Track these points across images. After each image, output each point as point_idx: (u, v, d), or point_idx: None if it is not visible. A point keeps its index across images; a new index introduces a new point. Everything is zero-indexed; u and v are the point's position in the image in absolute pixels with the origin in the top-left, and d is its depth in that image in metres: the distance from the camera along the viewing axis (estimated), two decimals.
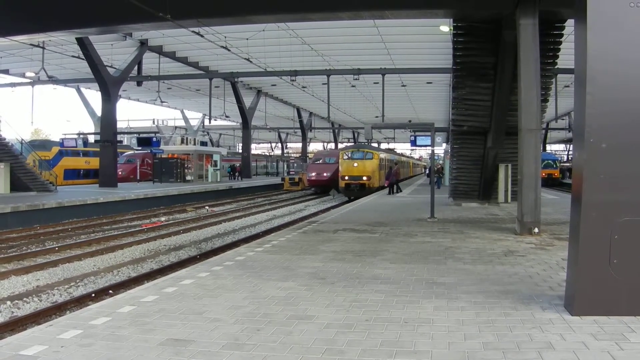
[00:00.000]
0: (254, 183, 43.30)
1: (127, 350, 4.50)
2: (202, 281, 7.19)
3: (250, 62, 27.19)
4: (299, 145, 69.96)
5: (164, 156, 39.53)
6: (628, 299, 5.21)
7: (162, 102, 39.29)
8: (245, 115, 46.30)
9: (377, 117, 43.49)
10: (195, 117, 64.07)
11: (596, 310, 5.25)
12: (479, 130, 17.66)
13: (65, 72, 35.34)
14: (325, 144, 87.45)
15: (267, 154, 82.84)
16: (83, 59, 28.76)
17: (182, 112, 62.76)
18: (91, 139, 39.43)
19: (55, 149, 37.28)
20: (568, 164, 53.21)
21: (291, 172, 56.74)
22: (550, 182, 39.85)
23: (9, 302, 9.17)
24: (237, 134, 64.49)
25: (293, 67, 32.15)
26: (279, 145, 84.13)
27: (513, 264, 8.22)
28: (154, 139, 35.99)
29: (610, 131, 5.19)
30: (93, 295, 9.53)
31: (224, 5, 15.67)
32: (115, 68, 31.15)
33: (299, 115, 58.50)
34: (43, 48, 27.24)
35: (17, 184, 25.11)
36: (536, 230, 11.50)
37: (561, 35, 14.78)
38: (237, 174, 49.17)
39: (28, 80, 38.18)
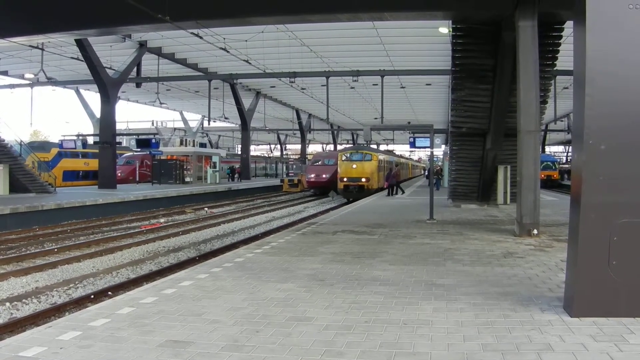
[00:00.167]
0: (253, 185, 43.31)
1: (126, 352, 4.50)
2: (201, 283, 7.19)
3: (250, 63, 27.20)
4: (298, 146, 69.96)
5: (163, 158, 39.54)
6: (627, 301, 5.21)
7: (161, 103, 39.25)
8: (244, 117, 46.29)
9: (376, 118, 43.47)
10: (194, 119, 64.12)
11: (595, 312, 5.25)
12: (478, 131, 17.67)
13: (64, 73, 35.29)
14: (325, 145, 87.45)
15: (266, 155, 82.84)
16: (82, 61, 28.73)
17: (181, 113, 62.78)
18: (90, 140, 39.39)
19: (55, 151, 37.29)
20: (567, 166, 53.21)
21: (290, 174, 56.73)
22: (549, 184, 39.85)
23: (8, 304, 9.17)
24: (236, 135, 64.43)
25: (292, 68, 32.16)
26: (278, 146, 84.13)
27: (512, 266, 8.22)
28: (153, 141, 36.00)
29: (609, 133, 5.19)
30: (92, 296, 9.53)
31: (223, 6, 15.67)
32: (114, 69, 31.14)
33: (298, 117, 58.52)
34: (42, 49, 27.25)
35: (16, 186, 25.10)
36: (535, 231, 11.50)
37: (560, 37, 14.80)
38: (237, 175, 49.14)
39: (27, 82, 38.15)
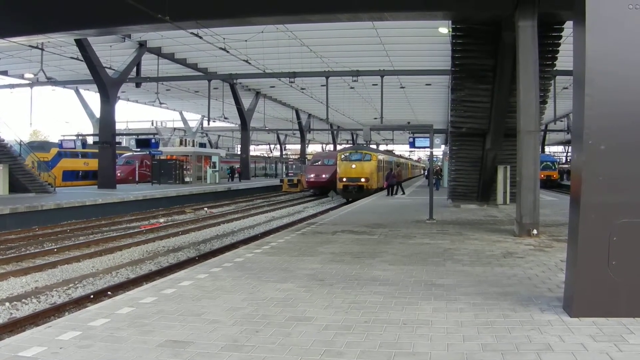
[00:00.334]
0: (252, 184, 43.30)
1: (126, 352, 4.50)
2: (200, 283, 7.19)
3: (249, 63, 27.20)
4: (298, 146, 69.98)
5: (162, 158, 39.53)
6: (627, 301, 5.22)
7: (160, 103, 39.26)
8: (244, 117, 46.28)
9: (375, 118, 43.46)
10: (194, 119, 64.13)
11: (595, 312, 5.25)
12: (477, 131, 17.68)
13: (64, 73, 35.29)
14: (324, 145, 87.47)
15: (266, 155, 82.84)
16: (82, 61, 28.73)
17: (181, 113, 62.79)
18: (90, 140, 39.38)
19: (54, 151, 37.27)
20: (567, 166, 53.23)
21: (290, 174, 56.74)
22: (548, 184, 39.86)
23: (7, 304, 9.16)
24: (236, 135, 64.46)
25: (292, 68, 32.16)
26: (278, 146, 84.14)
27: (512, 266, 8.22)
28: (153, 141, 35.99)
29: (609, 133, 5.19)
30: (92, 296, 9.53)
31: (223, 6, 15.68)
32: (114, 69, 31.14)
33: (298, 117, 58.53)
34: (42, 49, 27.26)
35: (16, 185, 25.09)
36: (535, 231, 11.50)
37: (560, 37, 14.81)
38: (237, 175, 49.12)
39: (27, 82, 38.15)
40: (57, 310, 8.71)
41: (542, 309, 5.69)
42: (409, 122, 54.14)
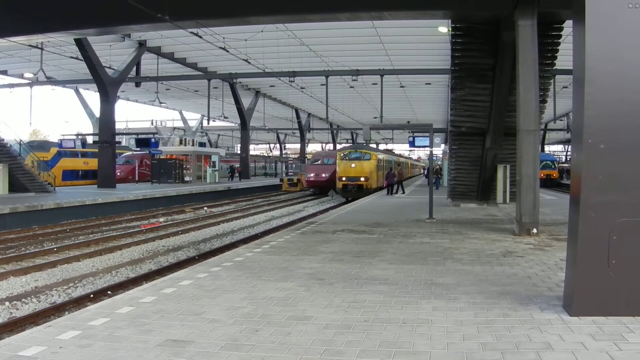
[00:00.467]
0: (252, 184, 43.28)
1: (126, 351, 4.50)
2: (200, 282, 7.19)
3: (249, 63, 27.19)
4: (298, 146, 69.98)
5: (162, 157, 39.53)
6: (627, 300, 5.22)
7: (160, 103, 39.23)
8: (244, 116, 46.30)
9: (375, 118, 43.47)
10: (193, 118, 64.04)
11: (595, 311, 5.26)
12: (477, 131, 17.68)
13: (63, 73, 35.28)
14: (324, 144, 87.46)
15: (266, 154, 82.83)
16: (82, 60, 28.72)
17: (181, 113, 62.72)
18: (90, 139, 39.38)
19: (54, 150, 37.25)
20: (566, 165, 53.25)
21: (290, 173, 56.76)
22: (548, 183, 39.87)
23: (7, 303, 9.17)
24: (236, 134, 64.48)
25: (291, 68, 32.14)
26: (278, 146, 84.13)
27: (512, 265, 8.22)
28: (153, 140, 35.99)
29: (608, 132, 5.19)
30: (92, 296, 9.53)
31: (222, 6, 15.66)
32: (113, 69, 31.13)
33: (298, 116, 58.53)
34: (42, 49, 27.23)
35: (16, 185, 25.07)
36: (535, 230, 11.51)
37: (560, 36, 14.80)
38: (237, 174, 49.11)
39: (26, 81, 38.16)
40: (57, 310, 8.71)
41: (542, 308, 5.69)
42: (408, 122, 54.11)
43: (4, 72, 37.86)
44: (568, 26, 12.44)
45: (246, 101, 46.01)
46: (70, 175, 38.15)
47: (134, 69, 32.22)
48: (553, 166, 46.51)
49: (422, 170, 78.56)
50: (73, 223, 19.88)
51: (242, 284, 7.03)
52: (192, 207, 27.20)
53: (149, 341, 4.75)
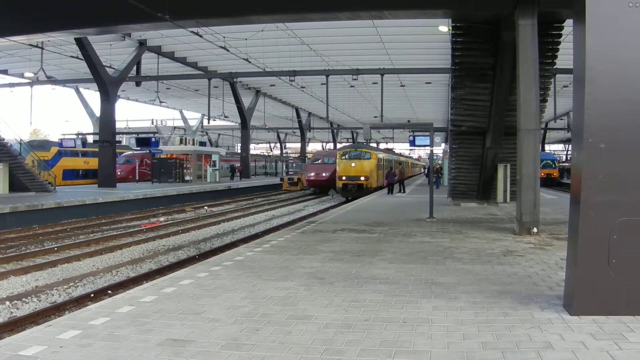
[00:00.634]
0: (252, 183, 43.28)
1: (126, 351, 4.50)
2: (201, 281, 7.19)
3: (249, 62, 27.18)
4: (298, 145, 69.96)
5: (162, 156, 39.52)
6: (627, 299, 5.22)
7: (160, 102, 39.22)
8: (244, 116, 46.30)
9: (376, 117, 43.48)
10: (194, 118, 64.05)
11: (595, 310, 5.25)
12: (477, 130, 17.67)
13: (64, 72, 35.30)
14: (324, 144, 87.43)
15: (266, 154, 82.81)
16: (82, 59, 28.72)
17: (181, 112, 62.72)
18: (90, 139, 39.36)
19: (54, 149, 37.26)
20: (567, 164, 53.21)
21: (290, 172, 56.73)
22: (549, 182, 39.87)
23: (8, 303, 9.17)
24: (236, 134, 64.46)
25: (292, 67, 32.13)
26: (278, 145, 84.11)
27: (512, 264, 8.22)
28: (153, 139, 35.96)
29: (609, 131, 5.19)
30: (92, 295, 9.53)
31: (222, 5, 15.66)
32: (114, 68, 31.14)
33: (298, 116, 58.51)
34: (42, 48, 27.23)
35: (16, 185, 25.08)
36: (535, 230, 11.51)
37: (560, 36, 14.79)
38: (237, 174, 49.10)
39: (27, 81, 38.15)
40: (57, 309, 8.72)
41: (542, 307, 5.69)
42: (409, 121, 54.05)
43: (5, 72, 37.88)
44: (568, 25, 12.43)
45: (246, 100, 46.00)
46: (71, 175, 38.18)
47: (134, 68, 32.24)
48: (553, 165, 46.50)
49: (422, 170, 78.55)
50: (73, 222, 19.89)
51: (242, 283, 7.03)
52: (192, 207, 27.20)
53: (149, 340, 4.76)
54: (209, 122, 49.10)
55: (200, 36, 20.45)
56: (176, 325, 5.21)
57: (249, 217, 23.93)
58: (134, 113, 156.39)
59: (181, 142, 42.23)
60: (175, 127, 59.52)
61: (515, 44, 12.35)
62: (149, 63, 33.32)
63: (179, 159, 39.69)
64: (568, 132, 50.20)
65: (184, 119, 63.62)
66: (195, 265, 8.71)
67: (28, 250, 14.22)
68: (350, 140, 77.59)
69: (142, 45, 30.85)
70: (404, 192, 28.49)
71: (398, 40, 28.10)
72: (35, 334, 4.99)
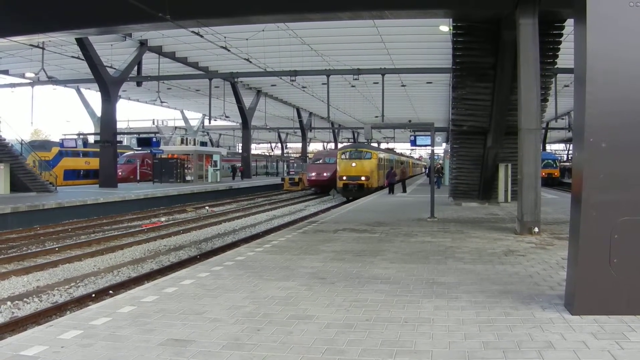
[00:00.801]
0: (253, 183, 43.29)
1: (128, 351, 4.50)
2: (202, 281, 7.19)
3: (250, 62, 27.19)
4: (299, 145, 69.97)
5: (163, 156, 39.54)
6: (628, 298, 5.21)
7: (161, 102, 39.27)
8: (245, 116, 46.30)
9: (376, 117, 43.47)
10: (195, 118, 64.08)
11: (596, 310, 5.25)
12: (478, 130, 17.67)
13: (65, 72, 35.33)
14: (325, 144, 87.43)
15: (267, 154, 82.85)
16: (83, 60, 28.74)
17: (182, 112, 62.76)
18: (91, 139, 39.47)
19: (55, 150, 37.28)
20: (568, 164, 53.19)
21: (291, 172, 56.77)
22: (550, 182, 39.85)
23: (9, 303, 9.18)
24: (237, 134, 64.47)
25: (293, 67, 32.13)
26: (279, 145, 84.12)
27: (513, 264, 8.22)
28: (154, 139, 35.99)
29: (610, 131, 5.18)
30: (93, 295, 9.54)
31: (223, 5, 15.66)
32: (115, 68, 31.15)
33: (299, 116, 58.50)
34: (43, 48, 27.23)
35: (17, 185, 25.11)
36: (536, 229, 11.50)
37: (561, 35, 14.78)
38: (239, 174, 49.12)
39: (28, 81, 38.17)
40: (58, 309, 8.72)
41: (543, 307, 5.69)
42: (410, 120, 54.05)
43: (6, 72, 37.88)
44: (569, 25, 12.42)
45: (247, 100, 46.00)
46: (72, 175, 38.19)
47: (135, 68, 32.26)
48: (554, 165, 46.49)
49: (423, 169, 78.55)
50: (75, 223, 19.90)
51: (243, 283, 7.03)
52: (193, 207, 27.21)
53: (150, 340, 4.76)
54: (210, 122, 49.14)
55: (201, 36, 20.46)
56: (177, 325, 5.21)
57: (250, 217, 23.93)
58: (135, 113, 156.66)
59: (182, 142, 42.26)
60: (176, 127, 59.58)
61: (516, 43, 12.34)
62: (150, 63, 33.34)
63: (180, 159, 39.71)
64: (569, 131, 50.19)
65: (185, 119, 63.65)
66: (197, 265, 8.71)
67: (29, 251, 14.23)
68: (351, 140, 77.60)
69: (143, 45, 30.86)
70: (405, 191, 28.47)
71: (399, 40, 28.08)
72: (37, 334, 4.99)
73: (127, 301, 6.16)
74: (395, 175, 28.36)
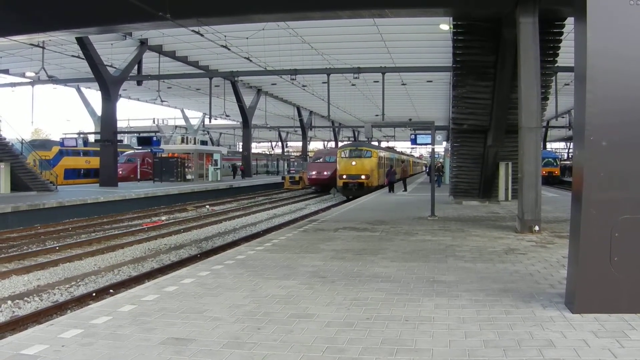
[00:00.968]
0: (254, 182, 43.29)
1: (128, 350, 4.50)
2: (202, 280, 7.20)
3: (250, 61, 27.17)
4: (299, 144, 69.98)
5: (164, 155, 39.53)
6: (629, 297, 5.21)
7: (162, 101, 39.27)
8: (246, 114, 46.30)
9: (377, 115, 43.44)
10: (195, 117, 64.11)
11: (597, 308, 5.25)
12: (479, 128, 17.66)
13: (65, 71, 35.33)
14: (326, 142, 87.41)
15: (268, 152, 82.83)
16: (83, 59, 28.76)
17: (182, 111, 62.77)
18: (91, 138, 39.42)
19: (56, 149, 37.27)
20: (568, 162, 53.16)
21: (291, 171, 56.76)
22: (550, 180, 39.82)
23: (10, 302, 9.19)
24: (238, 133, 64.48)
25: (293, 66, 32.11)
26: (279, 144, 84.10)
27: (514, 262, 8.22)
28: (154, 138, 35.99)
29: (610, 129, 5.19)
30: (94, 294, 9.54)
31: (223, 4, 15.65)
32: (115, 67, 31.15)
33: (299, 114, 58.51)
34: (43, 48, 27.24)
35: (18, 184, 25.11)
36: (537, 228, 11.50)
37: (561, 34, 14.77)
38: (240, 172, 49.10)
39: (28, 80, 38.18)
40: (59, 308, 8.73)
41: (544, 305, 5.69)
42: (410, 119, 53.93)
43: (6, 71, 37.88)
44: (569, 23, 12.39)
45: (248, 99, 46.00)
46: (72, 174, 38.19)
47: (136, 67, 32.25)
48: (555, 163, 46.44)
49: (423, 168, 78.49)
50: (75, 222, 19.91)
51: (244, 282, 7.03)
52: (194, 206, 27.24)
53: (151, 339, 4.76)
54: (210, 121, 49.09)
55: (202, 35, 20.44)
56: (178, 324, 5.22)
57: (250, 215, 23.94)
58: (135, 112, 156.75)
59: (183, 141, 42.28)
60: (176, 126, 59.51)
61: (516, 42, 12.34)
62: (150, 62, 33.33)
63: (181, 158, 39.71)
64: (569, 130, 50.15)
65: (186, 118, 63.66)
66: (197, 264, 8.71)
67: (30, 250, 14.23)
68: (352, 139, 77.61)
69: (143, 44, 30.86)
70: (406, 190, 28.47)
71: (399, 39, 28.06)
72: (37, 333, 4.99)
73: (127, 300, 6.17)
74: (395, 173, 28.34)
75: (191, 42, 26.95)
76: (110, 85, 30.24)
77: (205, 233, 18.24)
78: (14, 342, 4.76)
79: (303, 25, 24.64)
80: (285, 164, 71.00)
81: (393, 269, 7.79)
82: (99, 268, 12.22)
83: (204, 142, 49.50)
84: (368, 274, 7.46)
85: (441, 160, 44.23)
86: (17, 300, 9.32)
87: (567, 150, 73.58)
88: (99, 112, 35.93)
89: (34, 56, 29.04)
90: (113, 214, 22.44)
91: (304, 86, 36.58)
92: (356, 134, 79.94)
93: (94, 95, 43.54)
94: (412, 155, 73.93)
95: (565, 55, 14.32)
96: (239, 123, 53.28)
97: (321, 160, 39.40)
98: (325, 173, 37.43)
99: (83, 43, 27.53)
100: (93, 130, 43.69)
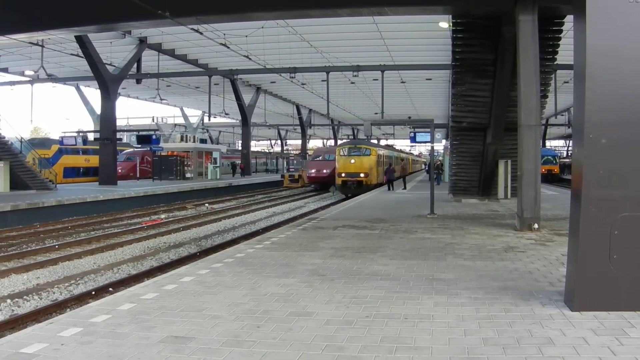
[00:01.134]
0: (253, 180, 43.29)
1: (128, 348, 4.50)
2: (202, 278, 7.19)
3: (250, 59, 27.19)
4: (299, 142, 69.95)
5: (163, 154, 39.54)
6: (628, 295, 5.22)
7: (161, 99, 39.25)
8: (245, 113, 46.27)
9: (376, 113, 43.38)
10: (194, 115, 63.72)
11: (596, 306, 5.26)
12: (478, 126, 17.65)
13: (64, 70, 35.28)
14: (325, 140, 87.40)
15: (267, 151, 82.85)
16: (82, 57, 28.73)
17: (182, 109, 62.45)
18: (91, 136, 39.41)
19: (55, 147, 37.27)
20: (568, 160, 53.17)
21: (291, 169, 56.74)
22: (549, 178, 39.83)
23: (9, 300, 9.19)
24: (237, 131, 64.49)
25: (292, 64, 32.09)
26: (279, 142, 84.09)
27: (513, 260, 8.22)
28: (154, 137, 36.03)
29: (609, 127, 5.18)
30: (93, 293, 9.54)
31: (222, 2, 15.64)
32: (114, 66, 31.11)
33: (299, 112, 58.45)
34: (42, 46, 27.25)
35: (17, 183, 25.10)
36: (536, 226, 11.51)
37: (560, 32, 14.76)
38: (239, 171, 49.08)
39: (27, 79, 38.15)
40: (58, 307, 8.72)
41: (543, 303, 5.69)
42: (409, 117, 53.93)
43: (5, 70, 37.85)
44: (569, 21, 12.39)
45: (247, 97, 45.96)
46: (72, 173, 38.19)
47: (135, 65, 32.21)
48: (554, 161, 46.44)
49: (423, 166, 78.54)
50: (74, 220, 19.92)
51: (243, 280, 7.03)
52: (193, 204, 27.24)
53: (150, 337, 4.76)
54: (209, 119, 48.94)
55: (201, 33, 20.42)
56: (177, 322, 5.22)
57: (249, 214, 23.93)
58: (134, 110, 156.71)
59: (182, 140, 42.22)
60: (175, 125, 59.40)
61: (515, 40, 12.33)
62: (150, 60, 33.27)
63: (180, 156, 39.72)
64: (569, 128, 50.18)
65: (185, 116, 63.36)
66: (196, 262, 8.71)
67: (29, 248, 14.23)
68: (351, 137, 77.60)
69: (142, 42, 30.81)
70: (405, 188, 28.46)
71: (398, 37, 28.02)
72: (37, 332, 4.99)
73: (127, 298, 6.17)
74: (394, 171, 28.32)
75: (190, 41, 26.92)
76: (109, 84, 30.22)
77: (205, 231, 18.24)
78: (13, 340, 4.76)
79: (302, 24, 24.60)
80: (285, 162, 71.04)
81: (392, 267, 7.79)
82: (99, 266, 12.22)
83: (203, 141, 49.37)
84: (367, 272, 7.46)
85: (440, 158, 44.28)
86: (17, 299, 9.32)
87: (566, 148, 73.59)
88: (98, 110, 35.88)
89: (33, 55, 29.01)
90: (112, 212, 22.45)
91: (303, 84, 36.56)
92: (355, 131, 79.99)
93: (93, 94, 43.48)
94: (411, 153, 73.92)
95: (565, 53, 14.33)
96: (238, 121, 53.26)
97: (320, 158, 39.37)
98: (324, 171, 37.40)
99: (82, 41, 27.51)
100: (92, 129, 43.62)
